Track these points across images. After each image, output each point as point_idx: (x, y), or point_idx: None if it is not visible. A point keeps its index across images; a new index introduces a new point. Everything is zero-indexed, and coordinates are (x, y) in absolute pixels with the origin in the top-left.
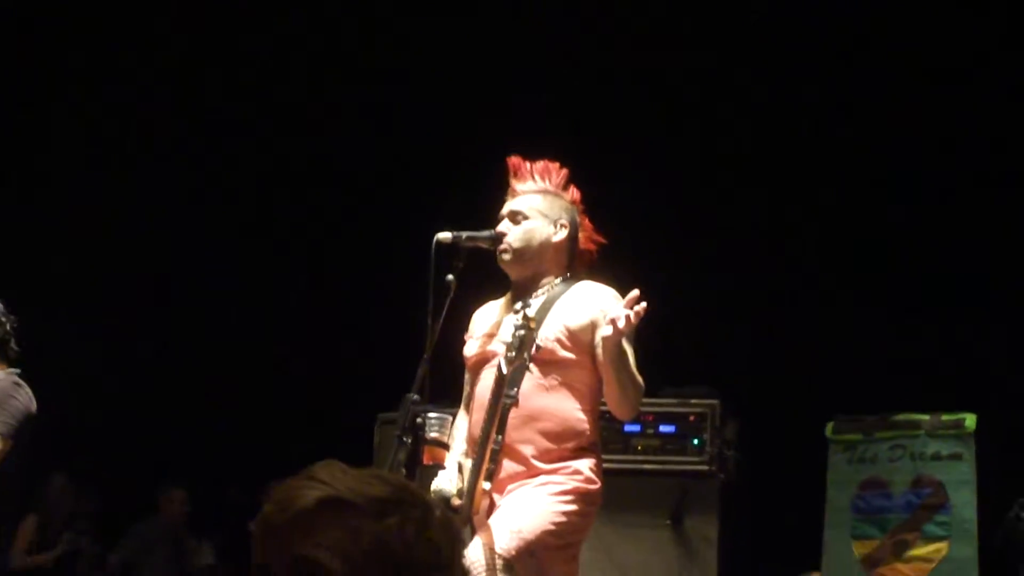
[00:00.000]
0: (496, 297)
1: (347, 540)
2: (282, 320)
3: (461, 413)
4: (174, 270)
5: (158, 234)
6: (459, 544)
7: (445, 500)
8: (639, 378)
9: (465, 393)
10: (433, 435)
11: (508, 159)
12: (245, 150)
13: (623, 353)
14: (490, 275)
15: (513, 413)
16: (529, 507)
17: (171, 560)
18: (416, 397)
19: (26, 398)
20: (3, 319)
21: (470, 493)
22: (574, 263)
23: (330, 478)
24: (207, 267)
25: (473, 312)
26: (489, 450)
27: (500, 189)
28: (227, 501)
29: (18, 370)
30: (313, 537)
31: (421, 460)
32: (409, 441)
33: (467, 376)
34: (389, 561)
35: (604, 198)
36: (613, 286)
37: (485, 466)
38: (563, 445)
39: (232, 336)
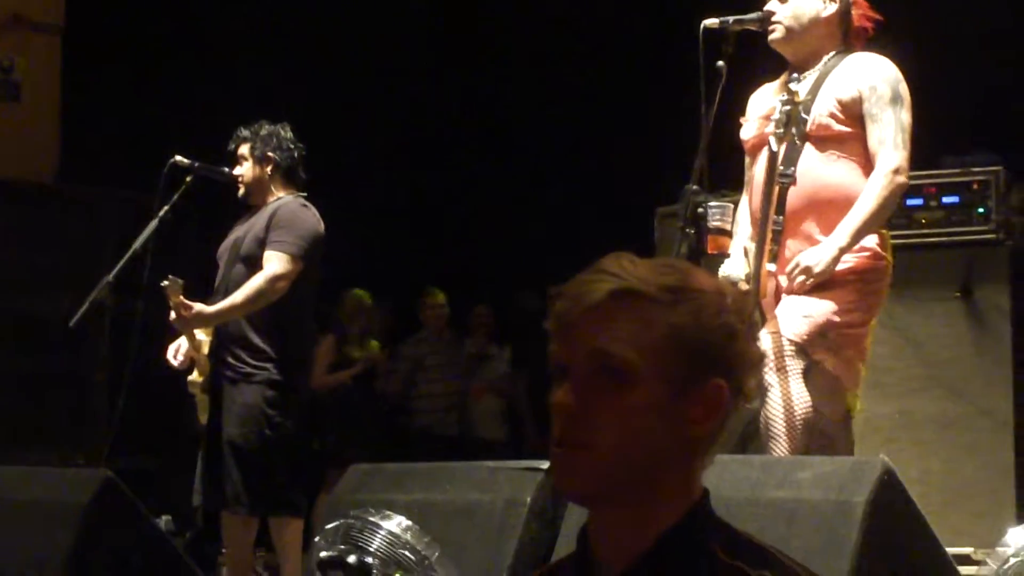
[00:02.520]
0: (772, 80)
1: (641, 330)
2: (556, 121)
3: (743, 198)
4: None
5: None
6: (753, 327)
7: (734, 285)
8: (887, 193)
9: (746, 178)
10: (715, 224)
11: None
12: None
13: (842, 249)
14: (767, 58)
15: (793, 192)
16: (817, 288)
17: (445, 366)
18: (696, 188)
19: (313, 219)
20: (292, 146)
21: (756, 276)
22: (849, 38)
23: (620, 269)
24: (469, 75)
25: (749, 97)
26: (770, 231)
27: None
28: (517, 308)
29: (305, 194)
30: (607, 329)
31: (705, 250)
32: (692, 232)
33: (747, 160)
34: (684, 348)
35: None
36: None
37: (767, 248)
38: None
39: (507, 142)
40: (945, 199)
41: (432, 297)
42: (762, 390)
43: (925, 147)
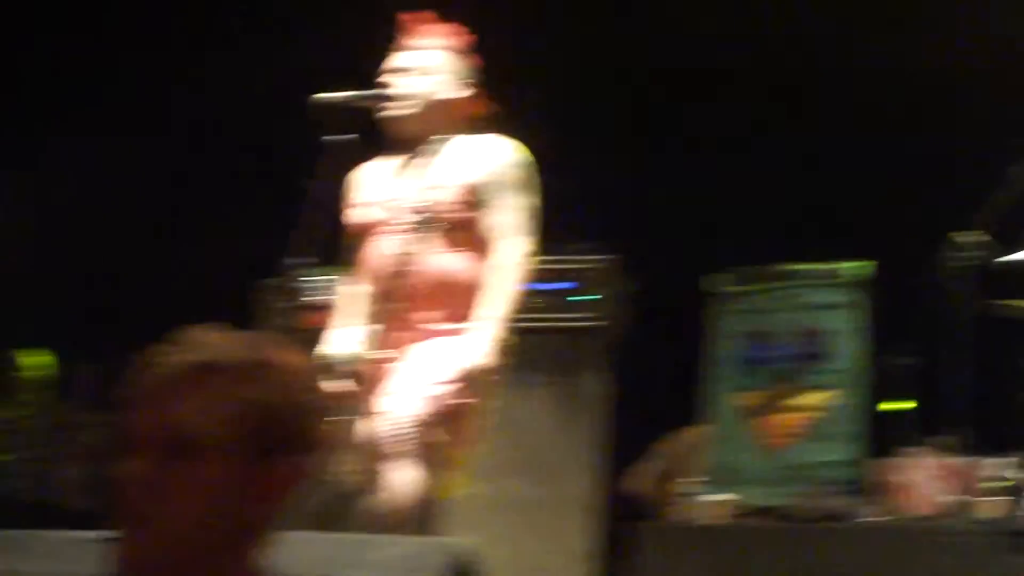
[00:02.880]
0: (379, 157)
1: (215, 404)
2: (156, 191)
3: (349, 278)
4: None
5: None
6: (325, 407)
7: (329, 364)
8: (519, 278)
9: (352, 257)
10: (313, 299)
11: (402, 15)
12: None
13: (495, 340)
14: (371, 136)
15: (416, 278)
16: (434, 366)
17: (33, 431)
18: (296, 262)
19: None
20: None
21: (369, 358)
22: (464, 123)
23: (201, 341)
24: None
25: (352, 174)
26: (388, 315)
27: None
28: (113, 375)
29: None
30: (181, 402)
31: (302, 325)
32: (290, 306)
33: (354, 240)
34: (257, 424)
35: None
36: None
37: (385, 331)
38: (466, 306)
39: (111, 204)
40: (555, 284)
41: (25, 358)
42: (361, 470)
43: (537, 233)
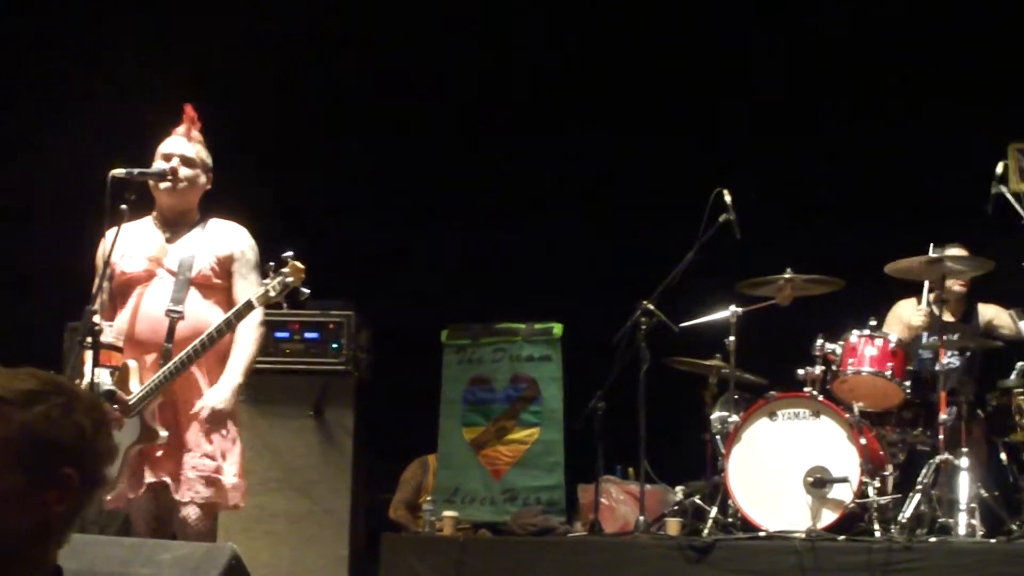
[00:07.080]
0: (141, 219)
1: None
2: None
3: (119, 320)
4: None
5: None
6: (103, 426)
7: (109, 393)
8: (260, 339)
9: (103, 299)
10: (108, 340)
11: (188, 107)
12: None
13: (239, 385)
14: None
15: (175, 323)
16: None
17: None
18: (94, 308)
19: None
20: None
21: (153, 390)
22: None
23: None
24: None
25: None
26: (154, 354)
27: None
28: None
29: None
30: None
31: (99, 361)
32: (88, 344)
33: (117, 285)
34: (35, 443)
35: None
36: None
37: (167, 369)
38: (216, 351)
39: None
40: (307, 334)
41: None
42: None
43: (288, 292)
